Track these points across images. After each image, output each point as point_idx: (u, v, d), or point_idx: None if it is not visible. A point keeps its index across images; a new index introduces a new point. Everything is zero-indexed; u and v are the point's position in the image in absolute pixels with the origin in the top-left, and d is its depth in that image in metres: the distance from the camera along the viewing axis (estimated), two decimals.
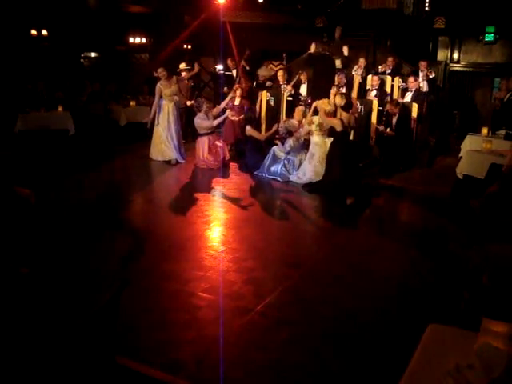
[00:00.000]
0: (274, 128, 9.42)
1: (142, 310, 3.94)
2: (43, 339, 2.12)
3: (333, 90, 9.38)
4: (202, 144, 9.42)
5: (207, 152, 9.37)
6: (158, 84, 9.74)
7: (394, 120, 9.73)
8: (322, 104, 8.54)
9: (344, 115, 7.75)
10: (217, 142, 9.46)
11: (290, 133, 8.97)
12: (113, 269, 4.73)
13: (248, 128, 9.45)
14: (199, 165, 9.44)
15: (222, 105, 9.90)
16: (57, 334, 2.14)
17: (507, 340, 1.83)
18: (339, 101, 7.87)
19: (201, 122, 9.42)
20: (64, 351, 2.09)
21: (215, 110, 9.77)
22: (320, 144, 8.46)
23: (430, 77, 11.36)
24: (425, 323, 2.26)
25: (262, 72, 11.44)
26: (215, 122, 9.50)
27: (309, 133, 8.69)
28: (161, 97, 9.71)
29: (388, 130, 9.75)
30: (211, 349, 3.45)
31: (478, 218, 4.13)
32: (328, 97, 8.83)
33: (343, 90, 10.56)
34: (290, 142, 8.84)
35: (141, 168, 9.55)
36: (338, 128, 7.62)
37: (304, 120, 9.05)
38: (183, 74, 11.34)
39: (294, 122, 9.27)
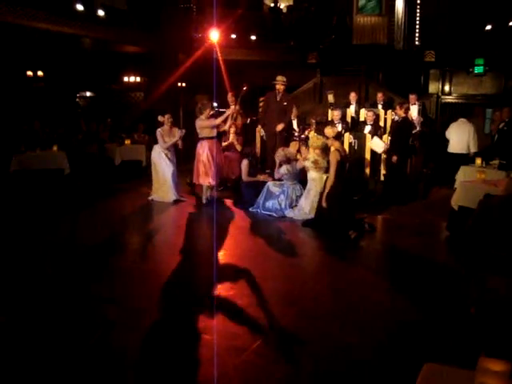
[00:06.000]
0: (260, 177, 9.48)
1: (136, 350, 3.85)
2: None
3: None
4: (203, 149, 9.07)
5: (207, 158, 9.03)
6: (160, 129, 9.66)
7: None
8: (312, 141, 8.59)
9: (337, 144, 7.73)
10: (210, 180, 9.11)
11: (288, 160, 8.86)
12: (105, 311, 4.65)
13: (245, 163, 9.42)
14: (196, 181, 9.28)
15: (218, 120, 9.28)
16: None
17: (505, 379, 1.77)
18: (331, 132, 7.82)
19: (202, 122, 9.12)
20: None
21: (207, 123, 9.21)
22: (317, 180, 8.40)
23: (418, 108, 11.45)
24: (421, 361, 2.21)
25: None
26: (218, 121, 9.21)
27: (304, 168, 8.67)
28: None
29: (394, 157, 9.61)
30: None
31: (465, 248, 4.09)
32: None
33: (339, 126, 10.61)
34: (285, 167, 8.80)
35: (136, 207, 9.50)
36: (338, 158, 7.52)
37: (299, 155, 9.09)
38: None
39: (292, 150, 9.21)
